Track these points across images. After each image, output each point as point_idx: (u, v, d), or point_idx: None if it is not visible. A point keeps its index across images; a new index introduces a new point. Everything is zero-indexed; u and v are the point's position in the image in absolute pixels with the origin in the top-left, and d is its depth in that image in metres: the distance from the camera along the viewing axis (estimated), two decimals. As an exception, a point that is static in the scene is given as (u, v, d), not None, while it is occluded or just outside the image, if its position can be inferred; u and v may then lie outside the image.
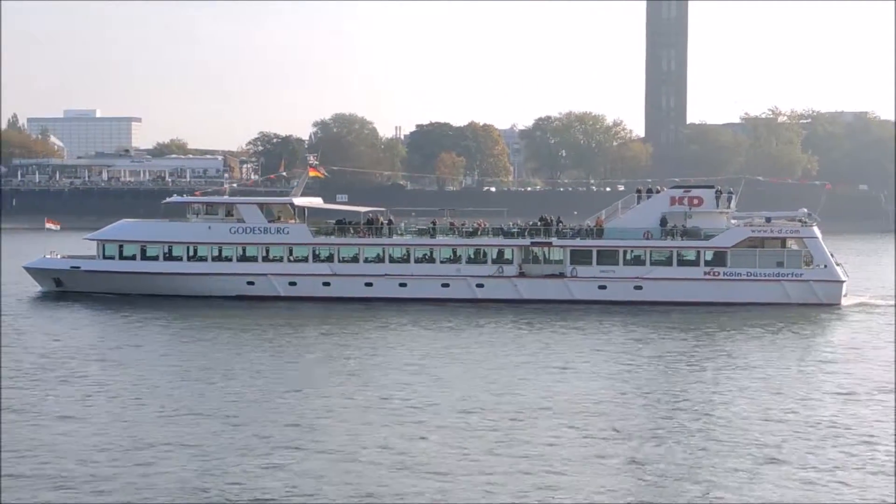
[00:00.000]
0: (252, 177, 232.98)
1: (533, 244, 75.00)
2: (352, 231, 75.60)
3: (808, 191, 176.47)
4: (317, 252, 74.44)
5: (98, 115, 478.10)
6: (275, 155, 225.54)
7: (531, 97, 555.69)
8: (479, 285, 74.02)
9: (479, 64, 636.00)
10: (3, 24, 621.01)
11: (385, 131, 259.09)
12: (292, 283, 73.93)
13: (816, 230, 74.46)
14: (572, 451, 33.72)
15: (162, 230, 75.88)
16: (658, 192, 78.18)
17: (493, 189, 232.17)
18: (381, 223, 76.40)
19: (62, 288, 74.84)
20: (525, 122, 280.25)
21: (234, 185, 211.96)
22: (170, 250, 74.67)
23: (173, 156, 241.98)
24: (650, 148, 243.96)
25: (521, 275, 74.44)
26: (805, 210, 77.25)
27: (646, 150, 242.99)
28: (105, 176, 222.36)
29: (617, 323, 64.63)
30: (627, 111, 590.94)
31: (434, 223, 77.54)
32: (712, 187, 78.22)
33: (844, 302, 73.67)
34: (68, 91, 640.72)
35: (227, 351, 53.46)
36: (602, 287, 73.71)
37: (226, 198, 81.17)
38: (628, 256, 74.33)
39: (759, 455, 33.45)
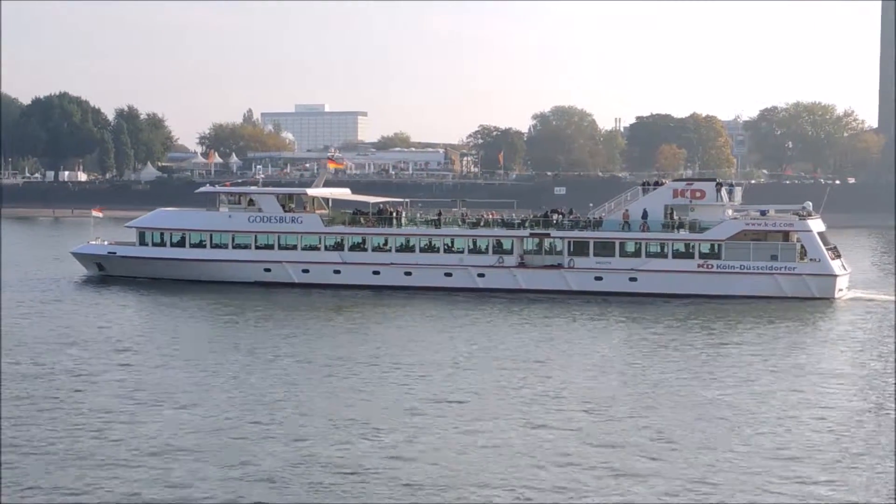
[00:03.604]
0: (472, 169, 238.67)
1: (532, 235, 76.80)
2: (362, 221, 79.38)
3: None
4: (327, 241, 78.56)
5: (326, 109, 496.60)
6: (494, 147, 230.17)
7: (756, 87, 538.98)
8: (481, 275, 76.30)
9: (701, 53, 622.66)
10: (239, 24, 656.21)
11: (604, 123, 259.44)
12: (305, 271, 78.22)
13: (813, 223, 73.21)
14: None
15: (191, 219, 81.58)
16: (663, 184, 78.46)
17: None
18: (390, 213, 79.81)
19: (104, 272, 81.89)
20: (749, 112, 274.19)
21: (451, 176, 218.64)
22: (201, 239, 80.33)
23: (397, 149, 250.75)
24: (884, 139, 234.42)
25: (521, 265, 76.28)
26: (809, 203, 75.77)
27: (879, 142, 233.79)
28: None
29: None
30: (859, 100, 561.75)
31: (440, 214, 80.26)
32: (713, 180, 78.00)
33: (841, 296, 72.19)
34: (299, 87, 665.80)
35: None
36: (598, 278, 74.72)
37: (250, 188, 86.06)
38: (624, 249, 75.04)
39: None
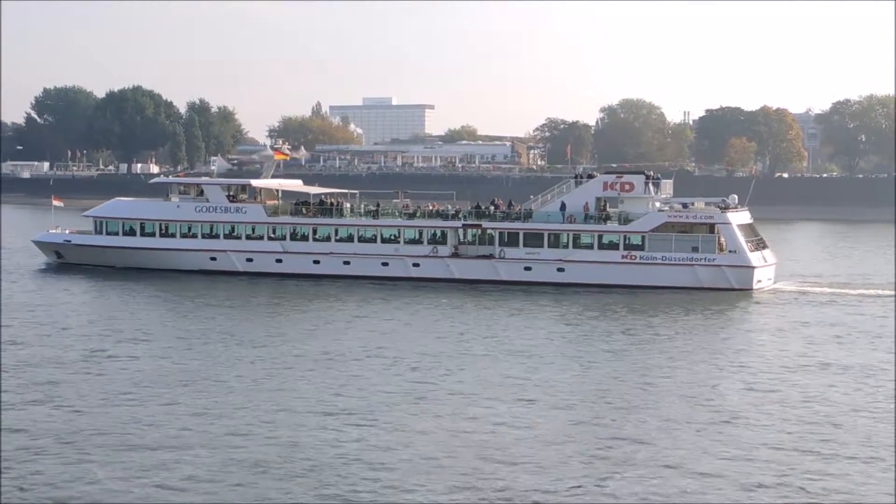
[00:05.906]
0: (539, 162, 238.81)
1: (465, 226, 77.83)
2: (304, 212, 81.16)
3: None
4: (270, 231, 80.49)
5: (394, 102, 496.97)
6: (561, 141, 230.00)
7: (828, 79, 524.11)
8: (416, 265, 77.61)
9: (772, 45, 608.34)
10: (309, 18, 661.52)
11: (673, 116, 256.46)
12: (249, 260, 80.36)
13: (733, 216, 73.69)
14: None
15: (143, 209, 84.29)
16: (595, 177, 79.06)
17: (785, 175, 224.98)
18: (331, 204, 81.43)
19: (62, 260, 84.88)
20: (821, 105, 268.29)
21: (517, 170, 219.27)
22: (152, 228, 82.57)
23: (463, 142, 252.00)
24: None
25: (455, 255, 77.37)
26: (735, 196, 75.83)
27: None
28: (399, 161, 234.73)
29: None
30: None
31: (378, 205, 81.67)
32: (642, 173, 78.28)
33: (761, 287, 72.61)
34: (367, 79, 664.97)
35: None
36: (527, 268, 75.60)
37: (200, 178, 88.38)
38: (552, 240, 75.66)
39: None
